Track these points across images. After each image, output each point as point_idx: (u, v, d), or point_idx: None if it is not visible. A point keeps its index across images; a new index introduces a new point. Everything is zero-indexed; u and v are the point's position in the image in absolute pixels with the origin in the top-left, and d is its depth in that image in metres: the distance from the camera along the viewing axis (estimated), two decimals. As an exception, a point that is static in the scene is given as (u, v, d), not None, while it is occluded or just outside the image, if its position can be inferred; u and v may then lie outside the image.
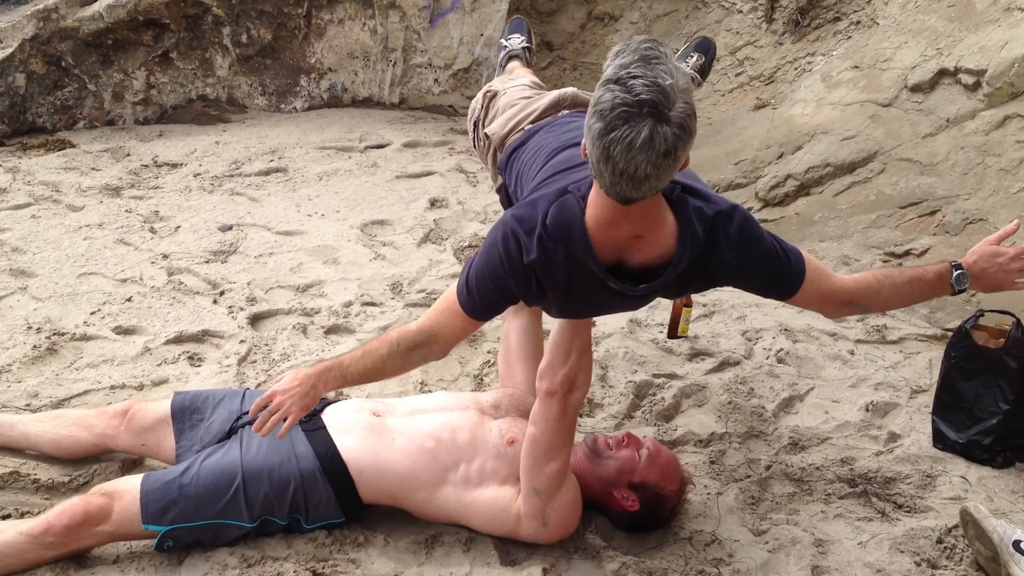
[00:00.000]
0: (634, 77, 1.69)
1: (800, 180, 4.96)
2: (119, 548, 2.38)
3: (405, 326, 2.29)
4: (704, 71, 3.65)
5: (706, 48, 3.66)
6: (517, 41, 3.61)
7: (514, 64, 3.54)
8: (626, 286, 2.00)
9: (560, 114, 2.75)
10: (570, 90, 2.83)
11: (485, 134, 2.91)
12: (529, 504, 2.39)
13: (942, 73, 4.74)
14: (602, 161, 1.75)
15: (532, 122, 2.71)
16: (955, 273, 2.22)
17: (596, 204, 1.93)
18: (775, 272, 2.11)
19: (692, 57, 3.65)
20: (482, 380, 3.31)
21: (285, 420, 2.28)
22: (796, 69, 5.84)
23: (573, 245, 1.96)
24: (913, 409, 3.25)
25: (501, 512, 2.42)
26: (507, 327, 2.89)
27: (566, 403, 2.28)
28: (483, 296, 2.11)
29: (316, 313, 3.73)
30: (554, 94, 2.84)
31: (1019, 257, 2.22)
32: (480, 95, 3.12)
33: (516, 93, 2.94)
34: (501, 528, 2.46)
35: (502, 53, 3.65)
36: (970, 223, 4.24)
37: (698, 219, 1.98)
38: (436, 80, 6.74)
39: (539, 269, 2.01)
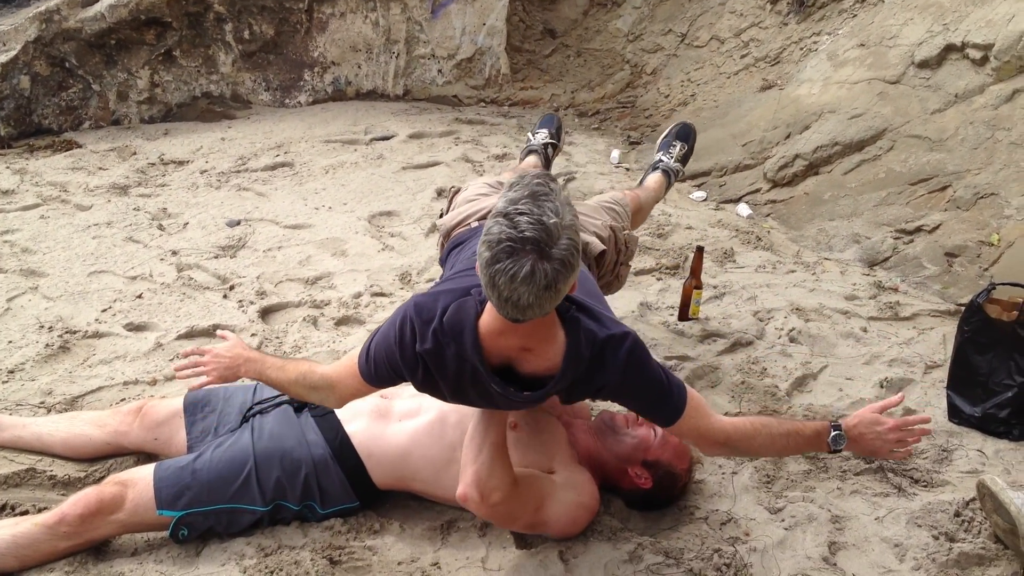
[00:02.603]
0: (521, 213, 1.80)
1: (808, 160, 4.93)
2: (137, 541, 2.39)
3: (315, 365, 2.36)
4: (686, 159, 3.69)
5: (686, 136, 3.70)
6: (541, 136, 3.63)
7: (531, 159, 3.55)
8: (510, 391, 2.07)
9: None
10: None
11: (435, 224, 2.95)
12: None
13: (949, 48, 4.72)
14: (488, 287, 1.85)
15: (480, 219, 2.74)
16: (833, 433, 2.26)
17: (490, 314, 2.00)
18: (654, 401, 2.18)
19: (675, 147, 3.66)
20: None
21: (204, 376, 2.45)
22: (802, 49, 5.81)
23: (464, 345, 2.03)
24: (928, 384, 3.24)
25: None
26: None
27: (487, 507, 2.25)
28: (377, 368, 2.18)
29: (326, 305, 3.73)
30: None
31: (897, 428, 2.27)
32: (449, 190, 3.17)
33: (474, 190, 3.00)
34: None
35: (524, 146, 3.69)
36: (981, 198, 4.21)
37: (587, 340, 2.05)
38: (440, 71, 6.73)
39: (429, 359, 2.09)
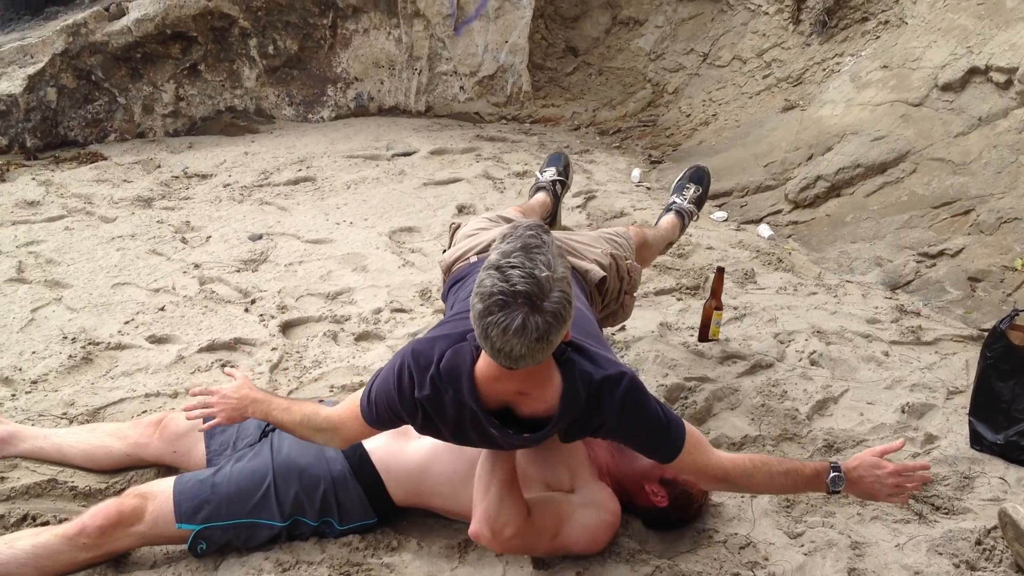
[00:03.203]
0: (513, 267, 1.84)
1: (831, 181, 4.92)
2: (156, 554, 2.41)
3: (319, 407, 2.37)
4: (700, 201, 3.71)
5: (700, 178, 3.73)
6: (550, 174, 3.65)
7: (540, 196, 3.57)
8: (509, 433, 2.10)
9: None
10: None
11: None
12: None
13: (973, 71, 4.70)
14: (481, 337, 1.89)
15: (478, 253, 2.76)
16: (832, 474, 2.26)
17: (485, 359, 2.03)
18: (653, 439, 2.20)
19: (689, 189, 3.68)
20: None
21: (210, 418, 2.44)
22: (824, 70, 5.80)
23: (461, 391, 2.06)
24: (950, 410, 3.21)
25: None
26: None
27: (500, 543, 2.29)
28: (379, 411, 2.21)
29: (346, 320, 3.74)
30: (503, 229, 2.88)
31: (896, 473, 2.26)
32: (449, 227, 3.20)
33: (473, 225, 3.02)
34: None
35: (533, 184, 3.71)
36: (1005, 222, 4.19)
37: (583, 382, 2.08)
38: (462, 87, 6.76)
39: (428, 405, 2.12)
